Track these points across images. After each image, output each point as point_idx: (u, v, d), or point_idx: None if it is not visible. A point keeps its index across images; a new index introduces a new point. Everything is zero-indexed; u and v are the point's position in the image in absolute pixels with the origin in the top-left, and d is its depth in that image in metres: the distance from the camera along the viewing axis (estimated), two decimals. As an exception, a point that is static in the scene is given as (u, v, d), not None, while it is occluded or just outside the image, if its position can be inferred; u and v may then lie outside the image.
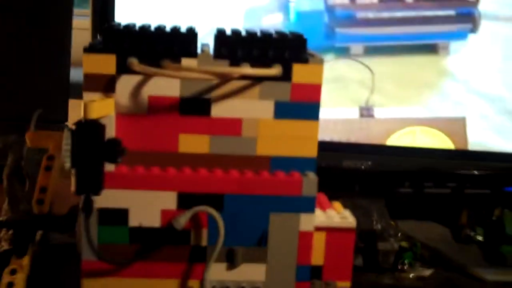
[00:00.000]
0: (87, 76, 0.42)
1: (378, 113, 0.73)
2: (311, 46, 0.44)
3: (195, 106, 0.43)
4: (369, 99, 0.72)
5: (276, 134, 0.44)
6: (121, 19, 0.70)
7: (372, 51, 0.72)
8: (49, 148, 0.52)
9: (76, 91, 0.75)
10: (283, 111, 0.43)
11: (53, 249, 0.63)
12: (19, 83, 0.73)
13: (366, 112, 0.72)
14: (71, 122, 0.73)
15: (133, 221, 0.43)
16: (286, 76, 0.43)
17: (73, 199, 0.52)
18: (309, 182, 0.44)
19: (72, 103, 0.74)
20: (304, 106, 0.43)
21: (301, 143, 0.44)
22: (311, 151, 0.44)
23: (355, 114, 0.73)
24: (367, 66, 0.71)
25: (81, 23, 0.74)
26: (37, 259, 0.55)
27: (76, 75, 0.74)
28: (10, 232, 0.61)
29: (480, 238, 0.74)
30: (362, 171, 0.71)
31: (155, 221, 0.43)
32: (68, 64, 0.73)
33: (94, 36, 0.71)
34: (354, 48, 0.71)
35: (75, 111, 0.74)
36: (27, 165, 0.58)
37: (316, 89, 0.43)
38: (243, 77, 0.42)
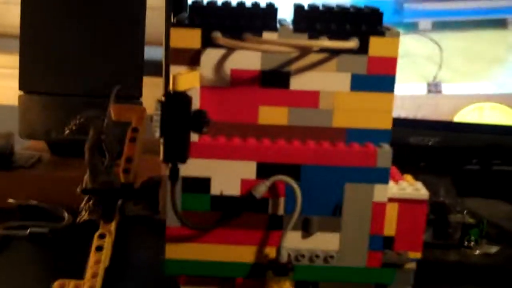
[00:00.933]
0: (174, 50, 0.43)
1: (446, 89, 0.73)
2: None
3: (275, 79, 0.44)
4: (437, 74, 0.72)
5: (352, 106, 0.45)
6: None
7: (440, 26, 0.71)
8: (132, 121, 0.54)
9: (150, 69, 0.78)
10: (359, 83, 0.44)
11: (130, 219, 0.66)
12: (96, 61, 0.75)
13: (434, 88, 0.71)
14: (145, 98, 0.76)
15: (215, 189, 0.45)
16: (363, 49, 0.44)
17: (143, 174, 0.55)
18: (384, 153, 0.45)
19: (146, 80, 0.76)
20: (380, 79, 0.44)
21: (376, 115, 0.45)
22: (386, 123, 0.45)
23: (423, 90, 0.73)
24: (435, 42, 0.71)
25: (154, 2, 0.76)
26: (119, 227, 0.57)
27: (149, 53, 0.77)
28: (91, 202, 0.64)
29: (546, 216, 0.73)
30: (429, 148, 0.71)
31: (235, 190, 0.45)
32: (142, 42, 0.75)
33: (167, 15, 0.73)
34: (422, 23, 0.71)
35: (149, 88, 0.77)
36: (106, 138, 0.61)
37: (392, 62, 0.44)
38: (321, 50, 0.44)
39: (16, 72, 0.76)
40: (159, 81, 0.79)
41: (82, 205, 0.64)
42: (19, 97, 0.77)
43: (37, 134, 0.77)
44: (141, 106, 0.55)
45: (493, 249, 0.69)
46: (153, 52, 0.82)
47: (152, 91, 0.79)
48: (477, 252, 0.68)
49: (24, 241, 0.64)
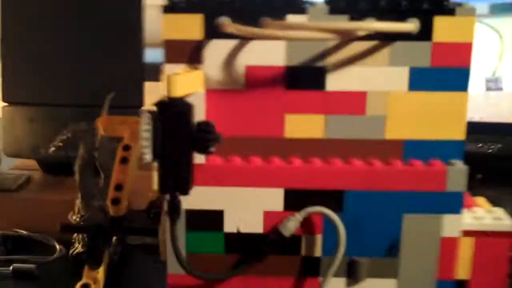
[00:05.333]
0: (168, 43, 0.36)
1: (508, 85, 0.65)
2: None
3: (305, 77, 0.36)
4: (497, 68, 0.65)
5: (411, 111, 0.37)
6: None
7: (499, 10, 0.64)
8: (124, 136, 0.45)
9: (151, 73, 0.70)
10: (420, 80, 0.36)
11: (131, 251, 0.58)
12: (89, 67, 0.70)
13: (493, 84, 0.65)
14: (147, 107, 0.68)
15: (230, 226, 0.37)
16: (425, 33, 0.36)
17: (152, 193, 0.47)
18: (456, 173, 0.37)
19: (148, 85, 0.70)
20: (449, 73, 0.36)
21: (444, 122, 0.37)
22: (458, 133, 0.37)
23: (480, 87, 0.66)
24: (494, 29, 0.63)
25: (154, 0, 0.70)
26: (115, 261, 0.50)
27: (150, 56, 0.70)
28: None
29: None
30: (489, 156, 0.64)
31: (256, 226, 0.37)
32: (141, 44, 0.69)
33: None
34: (478, 8, 0.61)
35: (151, 94, 0.69)
36: (101, 155, 0.54)
37: (465, 49, 0.36)
38: (368, 36, 0.35)
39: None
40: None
41: (75, 235, 0.57)
42: (3, 109, 0.71)
43: (24, 151, 0.71)
44: (134, 117, 0.46)
45: None
46: (156, 54, 0.74)
47: (155, 97, 0.72)
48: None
49: (8, 279, 0.57)
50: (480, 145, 0.63)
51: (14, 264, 0.58)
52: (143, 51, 0.69)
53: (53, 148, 0.56)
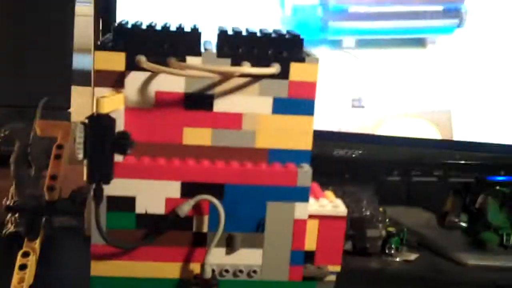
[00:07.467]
0: (98, 72, 0.44)
1: (368, 104, 0.76)
2: (305, 39, 0.46)
3: (198, 101, 0.45)
4: (361, 90, 0.75)
5: (274, 128, 0.46)
6: (123, 5, 0.72)
7: (364, 44, 0.74)
8: (58, 136, 0.54)
9: (79, 78, 0.77)
10: (280, 106, 0.46)
11: (57, 231, 0.65)
12: (22, 69, 0.74)
13: (357, 103, 0.74)
14: (74, 108, 0.75)
15: (140, 208, 0.46)
16: (284, 74, 0.45)
17: (74, 183, 0.55)
18: (304, 173, 0.46)
19: (74, 89, 0.75)
20: (301, 102, 0.46)
21: (297, 137, 0.46)
22: (306, 144, 0.47)
23: (347, 104, 0.75)
24: (358, 59, 0.74)
25: (83, 10, 0.76)
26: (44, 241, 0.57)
27: (78, 61, 0.76)
28: (17, 214, 0.63)
29: (463, 224, 0.78)
30: (353, 160, 0.74)
31: (160, 208, 0.46)
32: (70, 50, 0.74)
33: (96, 22, 0.72)
34: (346, 41, 0.73)
35: (78, 97, 0.76)
36: (33, 151, 0.61)
37: (311, 86, 0.46)
38: (244, 75, 0.45)
39: None
40: (88, 90, 0.78)
41: (7, 217, 0.63)
42: None
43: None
44: (67, 122, 0.55)
45: (413, 256, 0.72)
46: (82, 60, 0.81)
47: (81, 101, 0.79)
48: (398, 259, 0.71)
49: None
50: (347, 151, 0.73)
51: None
52: (72, 57, 0.74)
53: (-8, 143, 0.63)
